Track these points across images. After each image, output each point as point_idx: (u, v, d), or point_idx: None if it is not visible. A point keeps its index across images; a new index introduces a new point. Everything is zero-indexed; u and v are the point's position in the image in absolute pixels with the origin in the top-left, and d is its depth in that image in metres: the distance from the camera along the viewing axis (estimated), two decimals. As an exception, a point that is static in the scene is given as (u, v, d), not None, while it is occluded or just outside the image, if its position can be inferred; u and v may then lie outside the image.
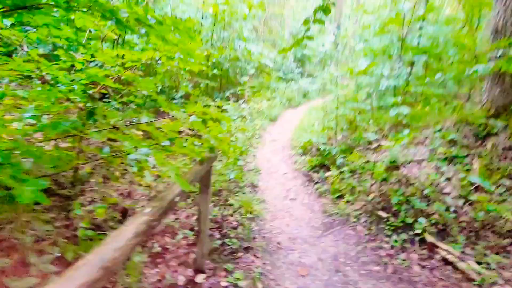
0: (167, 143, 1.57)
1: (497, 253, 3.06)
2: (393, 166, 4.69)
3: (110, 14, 1.44)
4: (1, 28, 2.38)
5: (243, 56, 8.77)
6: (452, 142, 4.98)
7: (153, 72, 6.25)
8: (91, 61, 3.22)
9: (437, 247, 3.23)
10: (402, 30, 7.52)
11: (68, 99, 2.58)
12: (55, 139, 2.90)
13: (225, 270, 2.70)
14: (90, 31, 2.67)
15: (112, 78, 2.87)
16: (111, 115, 2.44)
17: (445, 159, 4.69)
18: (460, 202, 3.81)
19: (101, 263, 0.89)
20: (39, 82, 3.37)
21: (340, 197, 4.36)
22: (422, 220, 3.48)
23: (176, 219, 3.31)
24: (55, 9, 1.89)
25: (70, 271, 0.83)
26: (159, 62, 5.49)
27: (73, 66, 3.29)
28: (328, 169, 5.24)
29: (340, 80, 11.55)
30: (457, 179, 4.23)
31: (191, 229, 3.12)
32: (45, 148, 2.86)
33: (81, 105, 2.66)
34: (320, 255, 3.20)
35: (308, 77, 15.89)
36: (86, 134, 2.35)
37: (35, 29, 2.44)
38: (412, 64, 8.04)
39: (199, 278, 2.49)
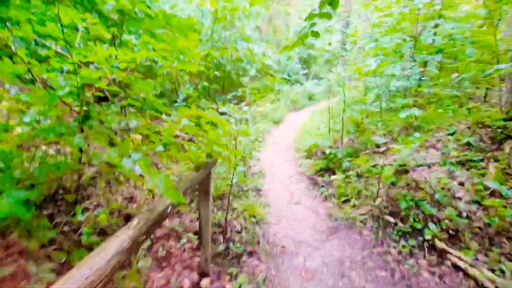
0: (161, 148, 1.64)
1: None
2: (402, 169, 4.75)
3: (89, 4, 1.50)
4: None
5: (246, 57, 8.88)
6: (466, 145, 5.03)
7: (153, 74, 6.37)
8: (89, 63, 3.32)
9: (448, 253, 3.27)
10: (415, 28, 7.54)
11: (64, 103, 2.66)
12: (56, 143, 3.01)
13: (229, 274, 2.79)
14: (78, 28, 2.77)
15: (106, 80, 2.97)
16: (107, 120, 2.53)
17: (458, 163, 4.73)
18: (474, 207, 3.84)
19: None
20: (41, 85, 3.48)
21: (346, 201, 4.41)
22: (432, 225, 3.52)
23: (181, 222, 3.40)
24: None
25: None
26: (159, 64, 5.61)
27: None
28: (334, 173, 5.30)
29: (347, 81, 11.64)
30: (470, 183, 4.27)
31: (195, 233, 3.21)
32: (49, 153, 2.96)
33: (77, 108, 2.75)
34: (325, 259, 3.26)
35: (313, 79, 15.97)
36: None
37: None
38: (425, 64, 8.09)
39: (204, 282, 2.58)
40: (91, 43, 3.79)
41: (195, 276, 2.62)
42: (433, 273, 3.06)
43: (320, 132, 7.39)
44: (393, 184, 4.36)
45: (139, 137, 2.76)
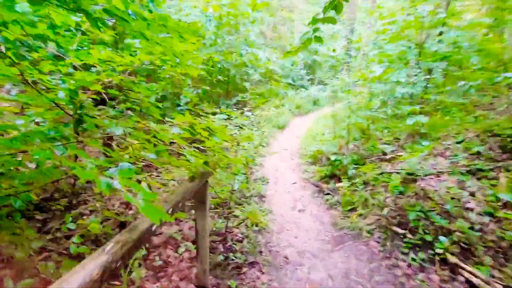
0: (152, 156, 1.44)
1: (528, 277, 2.87)
2: (410, 178, 4.53)
3: (74, 4, 1.33)
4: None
5: (250, 62, 8.70)
6: (476, 154, 4.81)
7: (157, 77, 6.20)
8: (90, 66, 3.15)
9: (461, 268, 3.05)
10: (420, 35, 7.39)
11: (57, 105, 2.49)
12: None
13: (229, 287, 2.57)
14: (71, 29, 2.59)
15: (102, 83, 2.79)
16: (102, 124, 2.35)
17: (468, 172, 4.51)
18: (486, 219, 3.62)
19: None
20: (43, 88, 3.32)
21: (352, 209, 4.19)
22: (443, 238, 3.29)
23: (180, 230, 3.19)
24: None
25: None
26: (163, 67, 5.43)
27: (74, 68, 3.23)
28: (339, 180, 5.08)
29: (352, 87, 11.43)
30: (481, 194, 4.05)
31: (194, 242, 2.99)
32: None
33: (72, 112, 2.57)
34: (330, 271, 3.04)
35: (318, 84, 15.80)
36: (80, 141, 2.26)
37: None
38: (430, 71, 7.90)
39: (202, 295, 2.37)
40: (91, 46, 3.62)
41: (192, 288, 2.42)
42: (446, 290, 2.84)
43: (325, 137, 7.18)
44: (401, 193, 4.13)
45: (136, 142, 2.56)
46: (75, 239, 2.10)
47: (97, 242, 2.38)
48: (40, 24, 2.43)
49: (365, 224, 3.77)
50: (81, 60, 2.70)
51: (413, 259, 3.16)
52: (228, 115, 3.30)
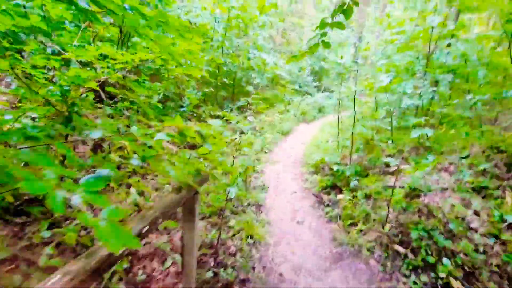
0: (136, 162, 1.27)
1: (535, 308, 2.66)
2: (413, 193, 4.33)
3: None
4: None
5: (257, 66, 8.53)
6: (481, 171, 4.60)
7: (162, 78, 6.06)
8: (90, 62, 3.00)
9: (464, 294, 2.85)
10: (428, 46, 7.19)
11: (48, 102, 2.34)
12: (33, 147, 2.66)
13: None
14: (64, 23, 2.45)
15: (98, 81, 2.64)
16: (90, 123, 2.19)
17: (473, 189, 4.31)
18: (490, 241, 3.42)
19: None
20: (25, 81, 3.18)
21: (352, 224, 4.00)
22: (446, 260, 3.09)
23: (169, 240, 3.01)
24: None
25: None
26: (165, 66, 5.28)
27: (63, 64, 3.08)
28: (341, 191, 4.89)
29: (358, 96, 11.20)
30: (486, 213, 3.85)
31: (182, 254, 2.81)
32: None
33: (64, 109, 2.43)
34: (327, 293, 2.85)
35: (325, 91, 15.59)
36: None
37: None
38: (436, 83, 7.69)
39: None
40: (92, 43, 3.47)
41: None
42: (448, 318, 2.64)
43: (328, 146, 6.99)
44: (403, 209, 3.93)
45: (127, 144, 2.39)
46: (48, 249, 1.93)
47: (74, 253, 2.20)
48: (33, 16, 2.30)
49: (366, 240, 3.57)
50: (78, 56, 2.56)
51: (415, 282, 2.97)
52: (227, 119, 3.11)
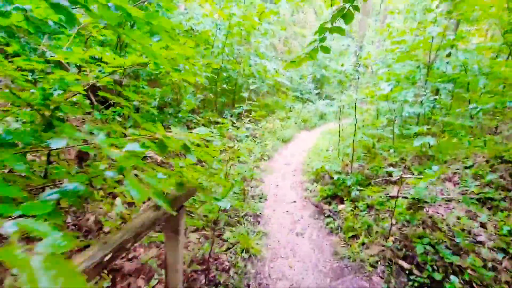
0: (111, 174, 1.05)
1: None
2: (417, 204, 4.08)
3: None
4: None
5: (258, 73, 8.34)
6: (486, 181, 4.36)
7: (161, 83, 5.87)
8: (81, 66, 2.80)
9: (474, 315, 2.59)
10: (428, 56, 7.02)
11: (30, 106, 2.13)
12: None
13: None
14: (48, 24, 2.25)
15: (87, 85, 2.43)
16: (70, 130, 1.97)
17: (478, 200, 4.07)
18: (499, 255, 3.17)
19: None
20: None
21: (354, 237, 3.75)
22: (454, 278, 2.84)
23: (159, 254, 2.77)
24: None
25: None
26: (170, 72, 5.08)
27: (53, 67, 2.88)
28: (342, 201, 4.65)
29: (359, 103, 11.01)
30: (493, 226, 3.61)
31: (166, 274, 2.56)
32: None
33: (47, 113, 2.22)
34: (327, 314, 2.60)
35: (326, 99, 15.40)
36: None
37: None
38: (437, 91, 7.50)
39: None
40: (83, 46, 3.27)
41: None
42: None
43: (329, 154, 6.75)
44: (407, 221, 3.69)
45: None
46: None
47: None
48: (15, 15, 2.10)
49: (368, 255, 3.32)
50: (65, 59, 2.35)
51: (421, 302, 2.71)
52: (217, 128, 2.90)
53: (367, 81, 13.89)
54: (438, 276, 2.90)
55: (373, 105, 7.57)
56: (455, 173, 4.82)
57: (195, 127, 6.68)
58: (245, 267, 2.97)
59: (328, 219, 4.23)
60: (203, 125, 6.14)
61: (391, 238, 3.47)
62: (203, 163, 3.95)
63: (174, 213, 1.20)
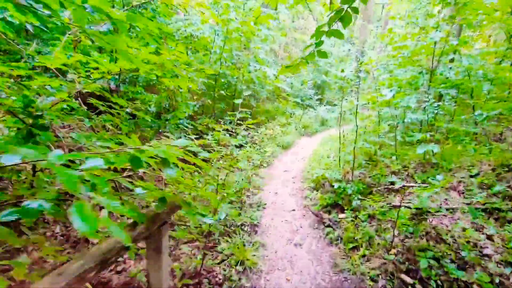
0: (84, 191, 0.93)
1: None
2: (420, 214, 3.94)
3: None
4: None
5: (257, 79, 8.24)
6: (493, 191, 4.21)
7: (158, 88, 5.77)
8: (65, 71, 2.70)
9: (482, 335, 2.44)
10: (431, 61, 6.91)
11: (11, 113, 2.03)
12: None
13: None
14: (26, 28, 2.17)
15: (73, 91, 2.33)
16: (50, 138, 1.87)
17: (484, 210, 3.92)
18: (507, 270, 3.02)
19: None
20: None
21: (354, 248, 3.60)
22: (460, 294, 2.69)
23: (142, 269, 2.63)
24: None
25: None
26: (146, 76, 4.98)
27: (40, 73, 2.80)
28: (342, 210, 4.51)
29: (361, 109, 10.89)
30: (500, 238, 3.45)
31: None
32: None
33: (29, 121, 2.12)
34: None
35: (327, 105, 15.31)
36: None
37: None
38: (440, 97, 7.38)
39: None
40: (74, 51, 3.18)
41: None
42: None
43: (330, 161, 6.62)
44: (410, 232, 3.54)
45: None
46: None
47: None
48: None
49: (369, 268, 3.18)
50: (51, 64, 2.25)
51: (425, 320, 2.57)
52: (213, 135, 2.78)
53: (369, 86, 13.79)
54: (443, 292, 2.75)
55: (375, 111, 7.45)
56: (460, 181, 4.68)
57: (194, 133, 6.57)
58: (239, 281, 2.82)
59: (328, 229, 4.09)
60: (201, 131, 6.02)
61: (393, 251, 3.33)
62: (197, 171, 3.83)
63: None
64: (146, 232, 1.26)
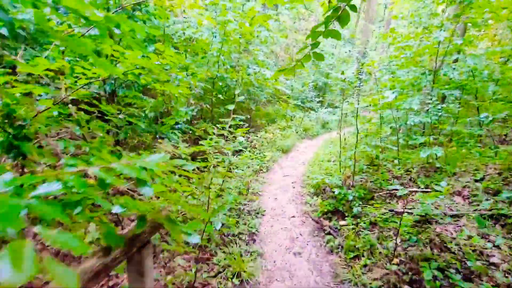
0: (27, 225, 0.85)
1: None
2: (423, 221, 3.84)
3: None
4: None
5: (257, 81, 8.15)
6: (498, 195, 4.11)
7: (156, 93, 5.69)
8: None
9: None
10: (434, 62, 6.81)
11: None
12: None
13: None
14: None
15: (58, 98, 2.25)
16: (33, 151, 1.80)
17: (491, 217, 3.81)
18: (515, 280, 2.91)
19: None
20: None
21: (356, 257, 3.50)
22: (466, 308, 2.59)
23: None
24: None
25: None
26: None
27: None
28: (343, 217, 4.41)
29: (362, 112, 10.81)
30: (508, 246, 3.35)
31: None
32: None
33: (11, 131, 2.05)
34: None
35: (328, 107, 15.22)
36: None
37: None
38: (443, 99, 7.28)
39: None
40: (61, 57, 3.10)
41: None
42: None
43: (330, 166, 6.52)
44: (413, 241, 3.44)
45: (90, 180, 1.97)
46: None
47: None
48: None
49: (371, 278, 3.08)
50: (34, 71, 2.17)
51: (429, 335, 2.47)
52: (206, 143, 2.70)
53: (371, 88, 13.70)
54: (448, 305, 2.65)
55: (377, 113, 7.37)
56: (464, 186, 4.57)
57: (194, 138, 6.50)
58: (235, 295, 2.74)
59: (328, 237, 3.99)
60: (199, 136, 5.94)
61: (396, 260, 3.23)
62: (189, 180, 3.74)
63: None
64: (122, 257, 1.18)
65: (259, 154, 7.33)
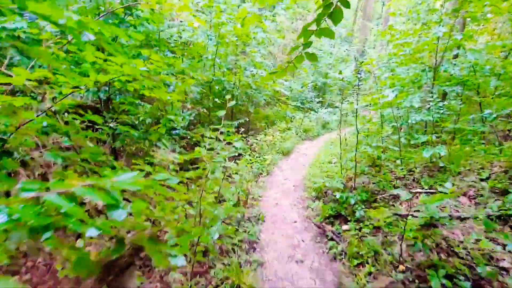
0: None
1: None
2: (429, 224, 3.70)
3: None
4: None
5: (254, 83, 8.04)
6: (505, 195, 3.97)
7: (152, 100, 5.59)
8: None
9: None
10: (434, 58, 6.69)
11: None
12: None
13: None
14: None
15: (43, 108, 2.15)
16: (10, 165, 1.69)
17: (499, 218, 3.67)
18: (527, 285, 2.78)
19: None
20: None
21: (360, 264, 3.38)
22: (478, 318, 2.46)
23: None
24: None
25: None
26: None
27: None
28: (346, 221, 4.29)
29: (362, 111, 10.68)
30: (517, 248, 3.21)
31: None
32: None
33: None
34: None
35: (328, 107, 15.10)
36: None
37: None
38: (444, 95, 7.15)
39: None
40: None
41: None
42: None
43: (331, 168, 6.40)
44: (419, 247, 3.31)
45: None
46: None
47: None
48: None
49: (376, 288, 2.95)
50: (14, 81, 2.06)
51: None
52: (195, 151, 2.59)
53: (370, 86, 13.58)
54: (458, 315, 2.52)
55: (377, 112, 7.24)
56: (470, 186, 4.44)
57: (192, 144, 6.37)
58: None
59: (331, 243, 3.87)
60: (197, 141, 5.82)
61: (402, 267, 3.10)
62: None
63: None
64: (98, 285, 1.07)
65: (259, 157, 7.21)
